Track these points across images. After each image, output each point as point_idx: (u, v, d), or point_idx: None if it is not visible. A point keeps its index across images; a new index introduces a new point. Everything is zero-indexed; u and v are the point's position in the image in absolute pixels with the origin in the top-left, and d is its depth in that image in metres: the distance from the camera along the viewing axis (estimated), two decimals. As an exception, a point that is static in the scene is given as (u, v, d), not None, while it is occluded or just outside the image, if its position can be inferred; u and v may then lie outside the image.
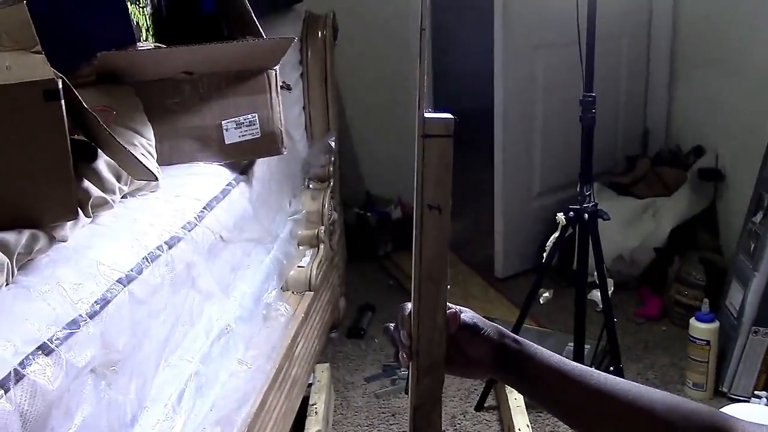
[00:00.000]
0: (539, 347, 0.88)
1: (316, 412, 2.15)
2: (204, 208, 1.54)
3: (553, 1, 2.86)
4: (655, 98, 3.66)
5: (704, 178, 3.16)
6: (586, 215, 2.14)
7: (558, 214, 2.27)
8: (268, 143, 1.80)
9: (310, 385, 2.27)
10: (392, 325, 0.88)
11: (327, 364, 2.46)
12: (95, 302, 1.09)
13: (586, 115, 2.13)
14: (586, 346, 2.27)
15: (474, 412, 2.43)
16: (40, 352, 0.95)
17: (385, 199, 3.72)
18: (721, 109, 3.16)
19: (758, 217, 2.48)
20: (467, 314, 0.88)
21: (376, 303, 3.09)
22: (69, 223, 1.22)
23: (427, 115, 0.80)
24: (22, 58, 1.17)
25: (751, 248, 2.46)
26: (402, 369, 0.87)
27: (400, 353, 0.86)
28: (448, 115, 0.80)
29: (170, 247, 1.33)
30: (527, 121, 3.27)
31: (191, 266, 1.41)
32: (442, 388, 0.86)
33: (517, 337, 0.88)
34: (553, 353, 0.88)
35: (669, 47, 3.56)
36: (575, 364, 0.87)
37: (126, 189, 1.42)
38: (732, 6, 3.00)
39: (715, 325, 2.43)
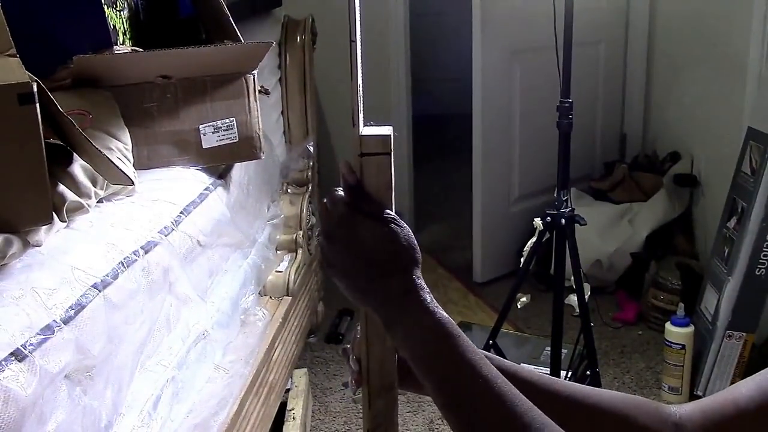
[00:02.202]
0: (503, 359, 0.88)
1: (293, 418, 2.14)
2: (181, 212, 1.53)
3: (530, 7, 2.89)
4: (632, 104, 3.69)
5: (680, 183, 3.19)
6: (563, 220, 2.16)
7: (535, 219, 2.28)
8: (246, 148, 1.79)
9: (287, 390, 2.27)
10: (349, 346, 0.87)
11: (305, 369, 2.46)
12: (70, 307, 1.08)
13: (563, 121, 2.15)
14: (563, 351, 2.28)
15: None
16: (13, 358, 0.93)
17: (363, 204, 3.72)
18: (696, 115, 3.20)
19: (732, 223, 2.51)
20: None
21: (354, 308, 3.09)
22: (43, 228, 1.20)
23: (363, 132, 0.76)
24: (-4, 61, 1.16)
25: (725, 253, 2.49)
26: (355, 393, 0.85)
27: (350, 378, 0.85)
28: (386, 130, 0.77)
29: (147, 252, 1.33)
30: (506, 125, 3.29)
31: (168, 271, 1.40)
32: (396, 410, 0.85)
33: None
34: (517, 365, 0.88)
35: (645, 53, 3.60)
36: (539, 373, 0.88)
37: (102, 193, 1.41)
38: (708, 13, 3.03)
39: (691, 329, 2.45)
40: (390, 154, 0.77)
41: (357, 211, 0.77)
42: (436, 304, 0.77)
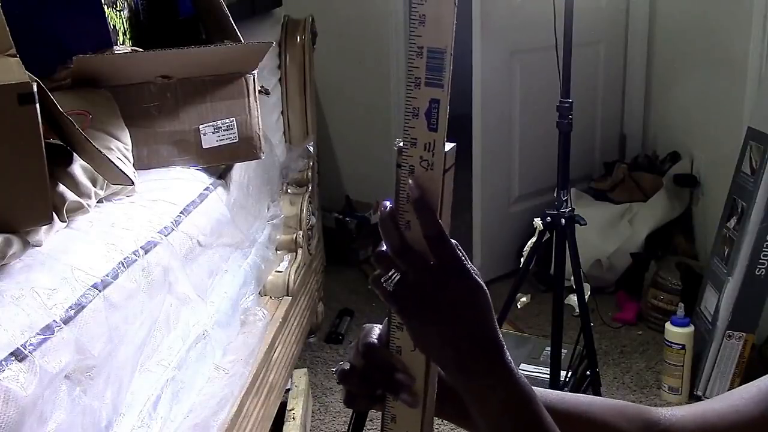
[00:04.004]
0: None
1: (293, 418, 2.14)
2: (181, 212, 1.53)
3: (530, 7, 2.88)
4: (632, 104, 3.69)
5: (680, 183, 3.19)
6: (563, 220, 2.16)
7: (535, 219, 2.28)
8: (246, 148, 1.80)
9: (287, 390, 2.27)
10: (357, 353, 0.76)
11: (305, 370, 2.46)
12: (70, 307, 1.08)
13: (563, 121, 2.15)
14: (563, 351, 2.28)
15: (452, 416, 2.44)
16: (13, 358, 0.93)
17: (364, 204, 3.73)
18: (696, 115, 3.20)
19: (732, 223, 2.51)
20: None
21: (354, 308, 3.09)
22: (43, 228, 1.20)
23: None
24: (-4, 61, 1.16)
25: (725, 253, 2.49)
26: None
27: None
28: (452, 144, 0.76)
29: (146, 252, 1.33)
30: (505, 126, 3.29)
31: (168, 271, 1.40)
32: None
33: None
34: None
35: (645, 53, 3.60)
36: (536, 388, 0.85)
37: (102, 193, 1.41)
38: (708, 13, 3.03)
39: (691, 329, 2.45)
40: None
41: (440, 270, 0.73)
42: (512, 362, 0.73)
